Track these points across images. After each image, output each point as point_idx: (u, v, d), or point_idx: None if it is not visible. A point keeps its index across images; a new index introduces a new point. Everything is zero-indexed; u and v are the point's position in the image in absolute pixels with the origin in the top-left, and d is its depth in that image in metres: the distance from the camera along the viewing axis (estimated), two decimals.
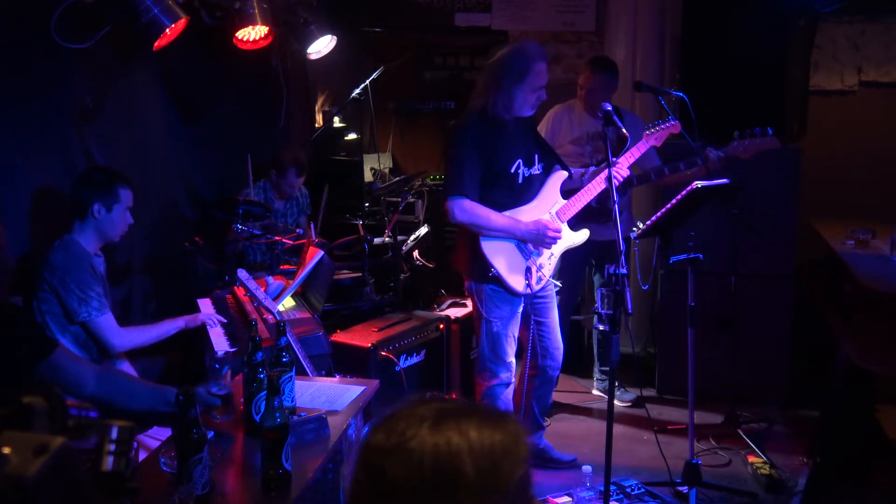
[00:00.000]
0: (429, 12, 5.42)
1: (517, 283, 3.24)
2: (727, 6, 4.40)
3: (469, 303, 4.40)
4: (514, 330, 3.34)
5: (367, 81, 5.08)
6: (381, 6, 5.54)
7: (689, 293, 3.33)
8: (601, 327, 2.80)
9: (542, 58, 3.18)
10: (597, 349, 4.57)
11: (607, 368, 4.32)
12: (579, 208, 3.35)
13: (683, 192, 3.17)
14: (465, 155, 3.18)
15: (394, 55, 5.78)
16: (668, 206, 3.22)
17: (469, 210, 3.16)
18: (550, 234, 3.21)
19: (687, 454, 3.33)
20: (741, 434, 3.93)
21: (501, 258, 3.22)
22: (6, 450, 0.97)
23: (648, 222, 3.33)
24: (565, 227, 3.35)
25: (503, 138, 3.22)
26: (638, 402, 4.41)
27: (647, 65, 4.91)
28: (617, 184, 3.30)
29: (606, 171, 3.28)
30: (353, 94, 5.13)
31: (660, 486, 3.41)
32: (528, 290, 3.25)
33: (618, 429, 3.99)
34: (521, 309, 3.33)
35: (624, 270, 2.72)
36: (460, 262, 3.39)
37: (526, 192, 3.31)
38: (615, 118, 3.02)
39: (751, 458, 3.67)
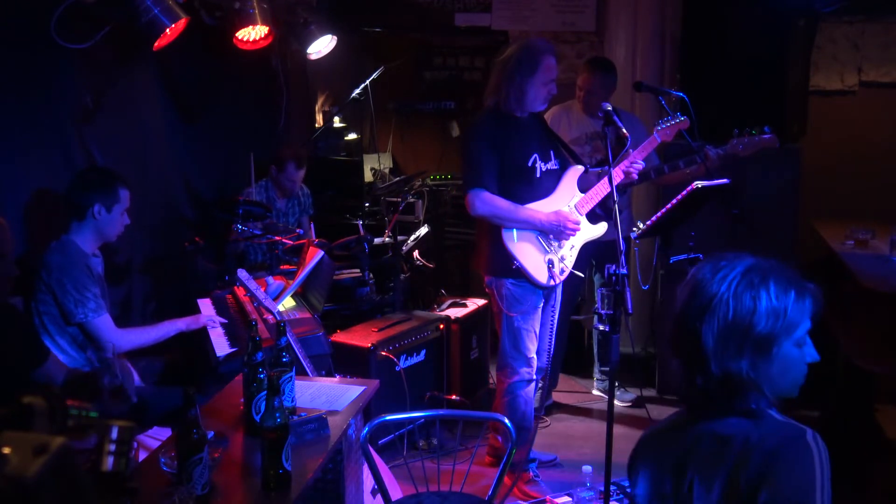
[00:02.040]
0: (429, 12, 5.42)
1: (540, 274, 3.24)
2: (727, 6, 4.40)
3: (469, 303, 4.42)
4: (535, 325, 3.34)
5: (367, 81, 5.08)
6: (381, 6, 5.54)
7: None
8: (601, 327, 2.80)
9: (550, 52, 3.26)
10: (597, 349, 4.56)
11: (607, 368, 4.32)
12: (597, 202, 3.37)
13: (683, 192, 3.17)
14: (481, 149, 3.22)
15: (394, 55, 5.78)
16: (669, 206, 3.22)
17: (489, 201, 3.19)
18: (570, 224, 3.23)
19: None
20: None
21: (524, 250, 3.24)
22: (6, 450, 0.97)
23: (648, 222, 3.33)
24: (584, 220, 3.37)
25: (518, 133, 3.26)
26: (638, 402, 4.42)
27: (647, 65, 4.91)
28: (636, 175, 3.31)
29: (620, 167, 3.28)
30: (353, 94, 5.13)
31: None
32: (552, 282, 3.26)
33: (618, 429, 3.96)
34: (541, 304, 3.33)
35: (624, 270, 2.71)
36: (480, 259, 3.40)
37: (544, 186, 3.33)
38: (615, 118, 3.02)
39: None
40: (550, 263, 3.25)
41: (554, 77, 3.26)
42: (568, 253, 3.34)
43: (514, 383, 3.37)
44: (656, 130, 3.39)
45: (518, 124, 3.28)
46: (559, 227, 3.23)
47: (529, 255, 3.24)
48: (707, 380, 1.40)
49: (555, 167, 3.38)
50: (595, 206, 3.45)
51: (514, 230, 3.23)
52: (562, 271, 3.30)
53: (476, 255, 3.46)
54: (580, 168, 3.42)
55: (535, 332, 3.35)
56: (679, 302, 1.44)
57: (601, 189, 3.34)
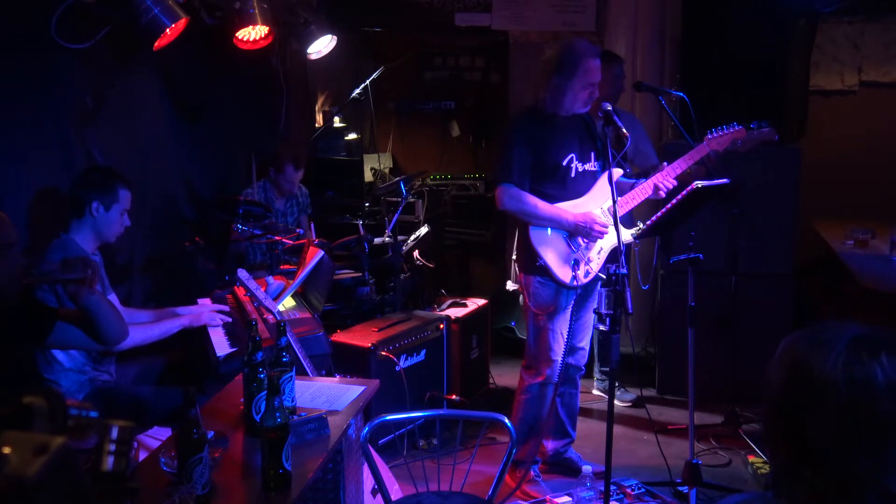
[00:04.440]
0: (429, 12, 5.42)
1: (564, 274, 3.22)
2: (727, 6, 4.40)
3: (469, 302, 4.43)
4: (563, 327, 3.31)
5: (367, 81, 5.08)
6: (381, 6, 5.54)
7: (689, 293, 3.33)
8: (601, 327, 2.81)
9: (593, 55, 3.21)
10: (597, 349, 4.57)
11: (607, 368, 4.32)
12: (632, 206, 3.32)
13: (683, 192, 3.17)
14: (514, 146, 3.22)
15: (394, 55, 5.78)
16: (669, 206, 3.22)
17: (517, 197, 3.19)
18: (598, 227, 3.19)
19: (687, 454, 3.33)
20: (741, 434, 3.93)
21: (549, 248, 3.22)
22: (6, 450, 0.97)
23: (648, 222, 3.33)
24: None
25: (553, 133, 3.24)
26: (638, 402, 4.42)
27: (647, 65, 4.91)
28: (664, 193, 3.27)
29: (652, 179, 3.25)
30: (353, 94, 5.13)
31: (660, 486, 3.41)
32: (575, 283, 3.22)
33: (618, 429, 3.99)
34: (570, 306, 3.30)
35: (624, 270, 2.72)
36: (517, 255, 3.39)
37: (579, 186, 3.30)
38: (615, 118, 3.02)
39: (751, 458, 3.67)
40: (575, 264, 3.22)
41: (595, 80, 3.20)
42: (595, 256, 3.30)
43: (534, 384, 3.37)
44: (707, 138, 3.31)
45: (556, 123, 3.24)
46: (587, 229, 3.19)
47: (554, 253, 3.22)
48: (819, 476, 1.16)
49: (594, 168, 3.34)
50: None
51: (541, 229, 3.22)
52: (587, 273, 3.26)
53: (517, 256, 3.43)
54: (619, 171, 3.36)
55: (561, 333, 3.32)
56: (774, 385, 1.21)
57: (638, 194, 3.29)
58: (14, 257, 2.21)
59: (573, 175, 3.28)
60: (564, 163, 3.25)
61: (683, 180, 3.45)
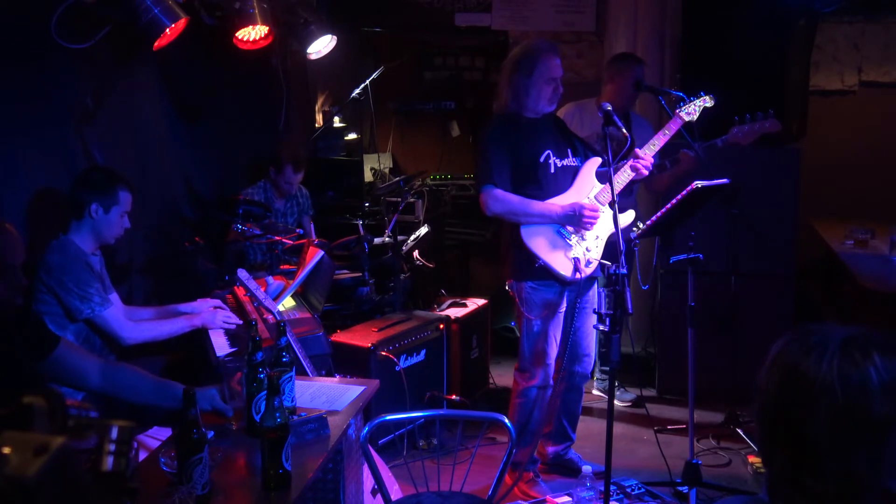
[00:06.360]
0: (429, 12, 5.42)
1: (565, 268, 3.18)
2: (727, 6, 4.40)
3: (469, 303, 4.43)
4: (556, 331, 3.29)
5: (367, 81, 5.08)
6: (381, 6, 5.54)
7: (689, 293, 3.33)
8: (601, 327, 2.81)
9: (551, 52, 3.22)
10: (597, 349, 4.57)
11: (607, 368, 4.32)
12: (618, 190, 3.24)
13: (683, 192, 3.17)
14: (491, 149, 3.21)
15: (394, 55, 5.78)
16: (669, 206, 3.22)
17: (502, 198, 3.17)
18: (587, 213, 3.15)
19: (687, 454, 3.34)
20: (741, 434, 3.93)
21: (545, 246, 3.19)
22: (6, 450, 0.97)
23: (648, 222, 3.33)
24: (607, 210, 3.26)
25: (526, 132, 3.24)
26: (638, 402, 4.42)
27: (647, 65, 4.90)
28: (646, 172, 3.26)
29: (628, 164, 3.24)
30: (353, 94, 5.13)
31: (660, 486, 3.41)
32: (578, 275, 3.19)
33: (618, 429, 3.99)
34: (563, 308, 3.28)
35: (624, 270, 2.71)
36: (505, 263, 3.35)
37: (561, 182, 3.28)
38: (615, 118, 3.02)
39: (751, 458, 3.67)
40: (575, 256, 3.20)
41: (555, 76, 3.22)
42: (593, 244, 3.26)
43: (528, 388, 3.36)
44: (678, 112, 3.32)
45: (527, 123, 3.25)
46: (576, 218, 3.15)
47: (551, 250, 3.19)
48: (818, 481, 1.15)
49: (573, 164, 3.33)
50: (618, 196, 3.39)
51: (532, 226, 3.19)
52: (588, 263, 3.22)
53: (503, 263, 3.41)
54: (597, 159, 3.35)
55: (555, 339, 3.31)
56: (768, 391, 1.21)
57: (622, 178, 3.25)
58: (17, 277, 2.20)
59: (553, 171, 3.27)
60: (542, 159, 3.24)
61: (688, 170, 3.45)
